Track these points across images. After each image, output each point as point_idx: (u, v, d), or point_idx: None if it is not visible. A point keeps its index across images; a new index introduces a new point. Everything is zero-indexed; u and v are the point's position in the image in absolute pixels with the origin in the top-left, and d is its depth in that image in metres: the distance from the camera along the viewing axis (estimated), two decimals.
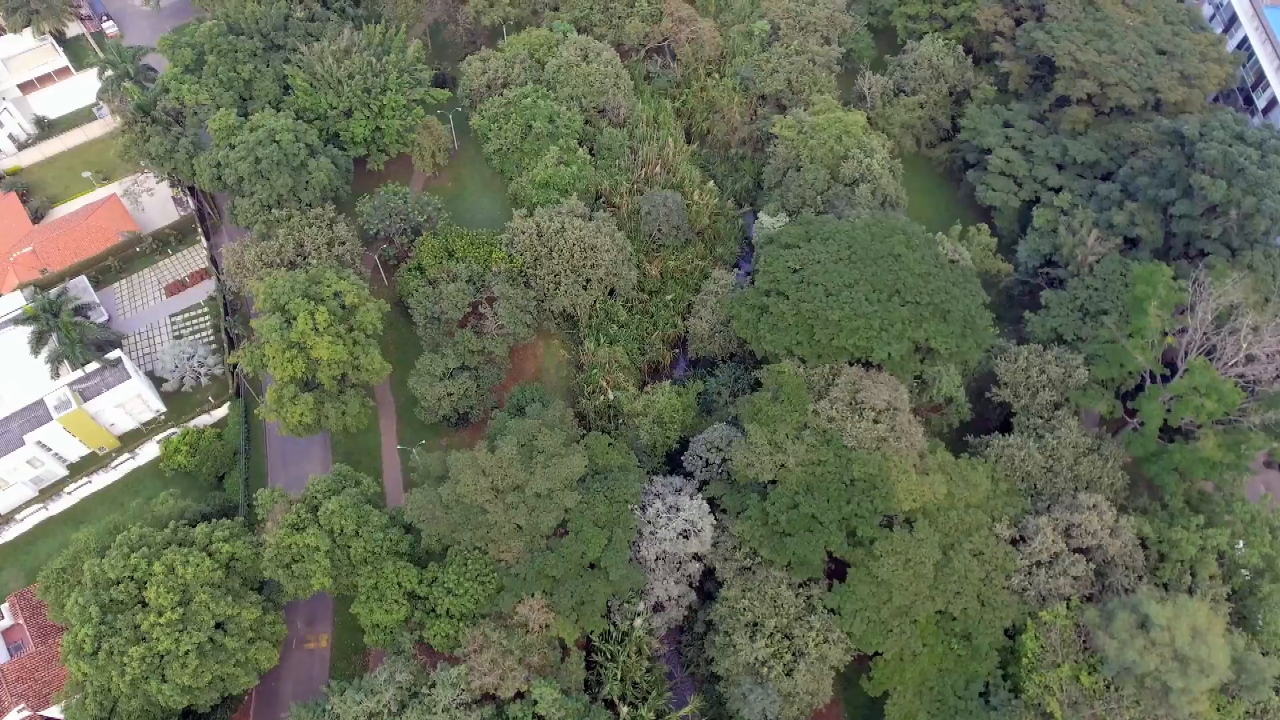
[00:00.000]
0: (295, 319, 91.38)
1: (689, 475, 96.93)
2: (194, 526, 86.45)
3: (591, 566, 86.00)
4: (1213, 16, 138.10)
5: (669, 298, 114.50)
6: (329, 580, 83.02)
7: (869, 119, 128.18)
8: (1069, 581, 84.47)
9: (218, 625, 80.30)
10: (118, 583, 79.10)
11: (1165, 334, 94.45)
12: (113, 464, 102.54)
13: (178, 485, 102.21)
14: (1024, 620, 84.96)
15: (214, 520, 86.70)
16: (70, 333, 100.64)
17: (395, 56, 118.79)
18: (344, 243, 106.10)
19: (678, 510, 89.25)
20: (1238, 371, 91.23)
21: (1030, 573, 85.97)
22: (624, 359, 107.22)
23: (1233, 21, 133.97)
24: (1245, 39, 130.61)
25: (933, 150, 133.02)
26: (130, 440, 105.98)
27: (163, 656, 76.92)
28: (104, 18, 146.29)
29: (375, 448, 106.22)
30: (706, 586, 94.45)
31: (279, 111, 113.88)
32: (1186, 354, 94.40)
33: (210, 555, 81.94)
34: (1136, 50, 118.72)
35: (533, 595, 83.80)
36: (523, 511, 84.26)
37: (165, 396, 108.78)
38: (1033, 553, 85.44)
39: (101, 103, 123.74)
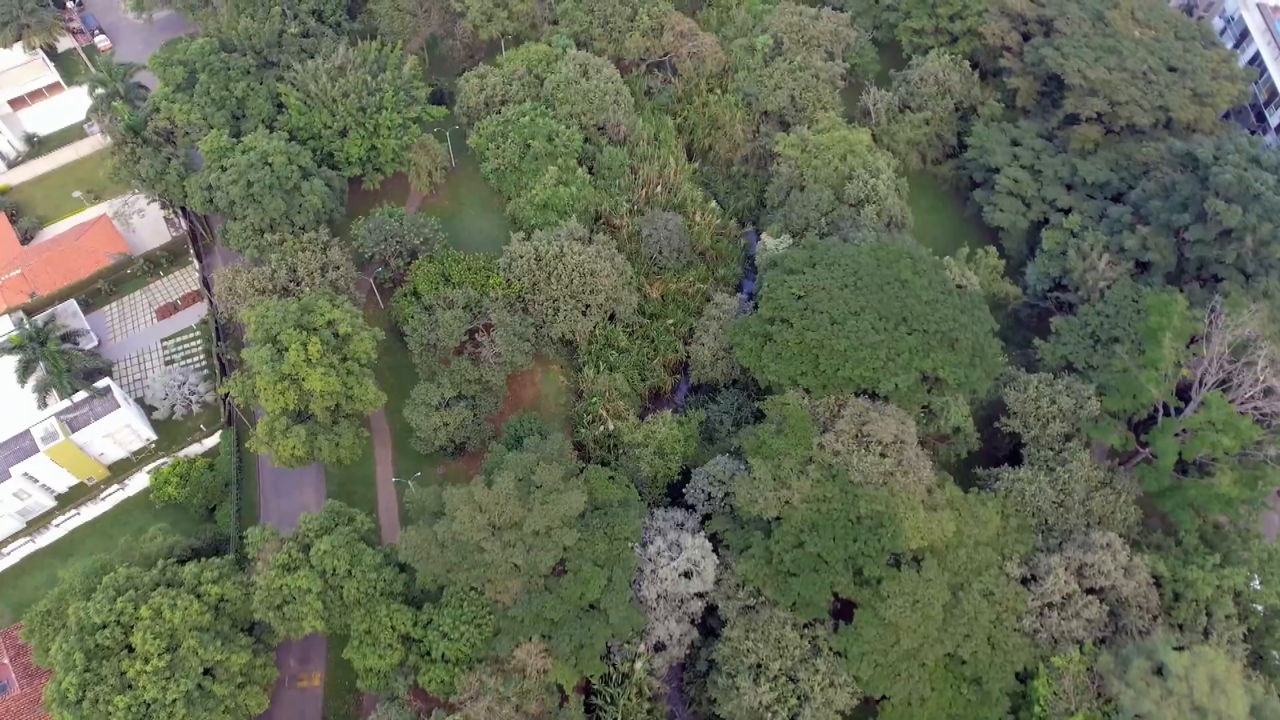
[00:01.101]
0: (287, 350, 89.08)
1: (691, 508, 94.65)
2: (183, 565, 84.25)
3: (591, 607, 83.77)
4: (1223, 30, 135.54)
5: (670, 322, 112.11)
6: (321, 622, 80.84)
7: (873, 135, 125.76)
8: (1082, 624, 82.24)
9: (206, 671, 78.01)
10: (103, 627, 76.78)
11: (1179, 365, 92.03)
12: (102, 495, 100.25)
13: (168, 517, 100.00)
14: (1036, 664, 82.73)
15: (203, 559, 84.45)
16: (57, 362, 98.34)
17: (391, 74, 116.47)
18: (338, 268, 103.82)
19: (679, 548, 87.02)
20: (1254, 405, 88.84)
21: (1042, 614, 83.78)
22: (624, 386, 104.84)
23: (1244, 36, 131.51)
24: (1257, 54, 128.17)
25: (938, 167, 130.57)
26: (120, 469, 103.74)
27: (149, 705, 74.56)
28: (96, 31, 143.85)
29: (370, 477, 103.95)
30: (709, 622, 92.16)
31: (272, 131, 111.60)
32: (1201, 383, 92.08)
33: (199, 597, 79.68)
34: (1147, 67, 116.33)
35: (530, 638, 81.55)
36: (520, 550, 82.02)
37: (156, 424, 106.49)
38: (1044, 593, 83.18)
39: (92, 120, 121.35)
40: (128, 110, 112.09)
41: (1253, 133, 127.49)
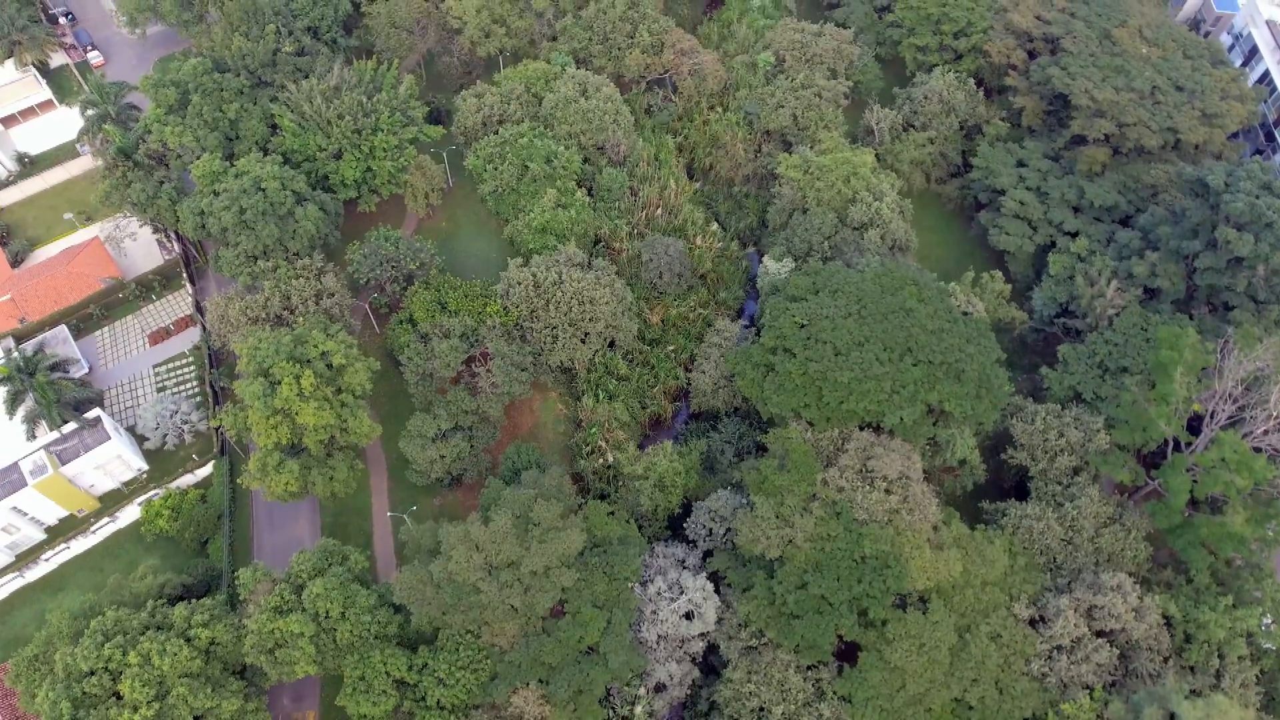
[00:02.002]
0: (280, 384, 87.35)
1: (692, 543, 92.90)
2: (174, 605, 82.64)
3: (590, 650, 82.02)
4: (1232, 47, 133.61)
5: (671, 348, 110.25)
6: (314, 666, 79.28)
7: (877, 155, 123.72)
8: (1092, 668, 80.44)
9: (196, 719, 76.21)
10: (91, 674, 75.32)
11: (1190, 399, 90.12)
12: (92, 528, 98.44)
13: (159, 549, 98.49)
14: (1045, 710, 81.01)
15: (194, 600, 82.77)
16: (46, 393, 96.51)
17: (387, 94, 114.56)
18: (332, 295, 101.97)
19: (680, 589, 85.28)
20: (1268, 441, 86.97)
21: (1051, 657, 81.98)
22: (624, 415, 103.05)
23: (1253, 53, 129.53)
24: (1267, 73, 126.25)
25: (943, 186, 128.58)
26: (111, 500, 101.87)
27: None
28: (89, 48, 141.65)
29: (365, 508, 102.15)
30: (710, 660, 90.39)
31: (266, 154, 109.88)
32: (1212, 415, 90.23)
33: (189, 642, 77.97)
34: (1154, 87, 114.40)
35: (527, 684, 79.81)
36: (517, 591, 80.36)
37: (147, 454, 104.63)
38: (1053, 636, 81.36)
39: (84, 141, 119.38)
40: (119, 133, 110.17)
41: (1260, 152, 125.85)
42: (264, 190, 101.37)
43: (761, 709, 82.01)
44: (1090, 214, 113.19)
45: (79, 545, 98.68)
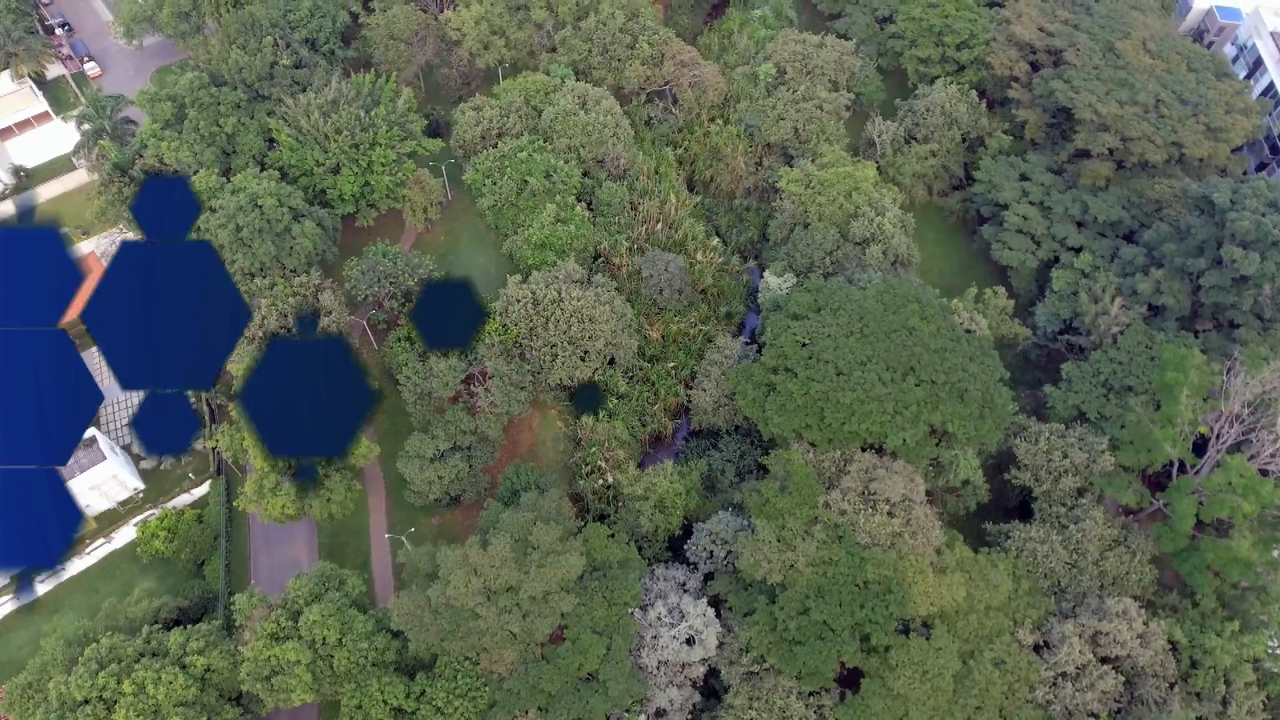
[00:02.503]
0: None
1: (692, 565, 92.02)
2: (169, 630, 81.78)
3: (589, 677, 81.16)
4: (1236, 58, 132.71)
5: (671, 365, 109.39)
6: (311, 694, 78.42)
7: (878, 167, 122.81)
8: (1097, 696, 79.57)
9: None
10: (85, 703, 74.43)
11: (1196, 421, 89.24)
12: (87, 549, 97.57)
13: (155, 570, 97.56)
14: None
15: (189, 626, 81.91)
16: None
17: (385, 107, 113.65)
18: (330, 313, 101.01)
19: (681, 614, 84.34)
20: (1275, 464, 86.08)
21: (1055, 685, 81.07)
22: (623, 433, 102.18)
23: (1258, 65, 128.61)
24: (1271, 85, 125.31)
25: (945, 199, 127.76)
26: (106, 520, 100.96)
27: None
28: (85, 58, 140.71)
29: (363, 528, 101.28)
30: (711, 683, 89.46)
31: (263, 169, 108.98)
32: (1218, 437, 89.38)
33: (184, 669, 77.09)
34: (1158, 100, 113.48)
35: (526, 712, 78.95)
36: (516, 616, 79.48)
37: (144, 473, 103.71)
38: (1058, 663, 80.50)
39: (80, 155, 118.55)
40: (115, 148, 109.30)
41: (1264, 165, 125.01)
42: (260, 207, 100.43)
43: None
44: (1094, 229, 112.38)
45: (74, 567, 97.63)
